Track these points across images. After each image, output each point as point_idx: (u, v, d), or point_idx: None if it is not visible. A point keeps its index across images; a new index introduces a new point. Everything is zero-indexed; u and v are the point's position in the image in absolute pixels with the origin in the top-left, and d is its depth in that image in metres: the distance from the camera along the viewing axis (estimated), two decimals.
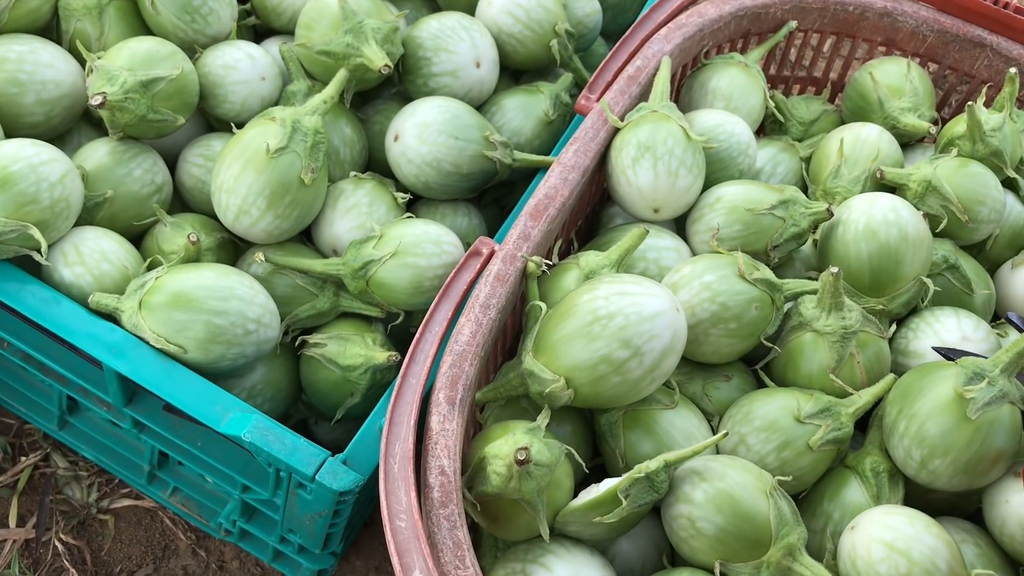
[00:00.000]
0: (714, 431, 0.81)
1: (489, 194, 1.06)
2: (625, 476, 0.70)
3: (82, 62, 0.93)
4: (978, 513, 0.80)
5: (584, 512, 0.71)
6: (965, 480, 0.75)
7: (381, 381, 0.89)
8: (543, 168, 0.96)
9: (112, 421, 0.93)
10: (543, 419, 0.73)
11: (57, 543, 1.01)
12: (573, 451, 0.73)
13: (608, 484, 0.71)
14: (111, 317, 0.83)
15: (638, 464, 0.75)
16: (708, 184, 0.93)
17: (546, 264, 0.83)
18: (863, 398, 0.78)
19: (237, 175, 0.86)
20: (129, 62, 0.88)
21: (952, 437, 0.73)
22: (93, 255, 0.85)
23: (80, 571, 1.00)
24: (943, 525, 0.73)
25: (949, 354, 0.81)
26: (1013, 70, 0.99)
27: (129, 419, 0.88)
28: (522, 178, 1.02)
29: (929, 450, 0.74)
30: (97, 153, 0.90)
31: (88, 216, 0.89)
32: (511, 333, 0.87)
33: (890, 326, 0.85)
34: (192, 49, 0.96)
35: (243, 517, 0.93)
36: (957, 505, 0.82)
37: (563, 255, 0.90)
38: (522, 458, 0.68)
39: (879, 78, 1.06)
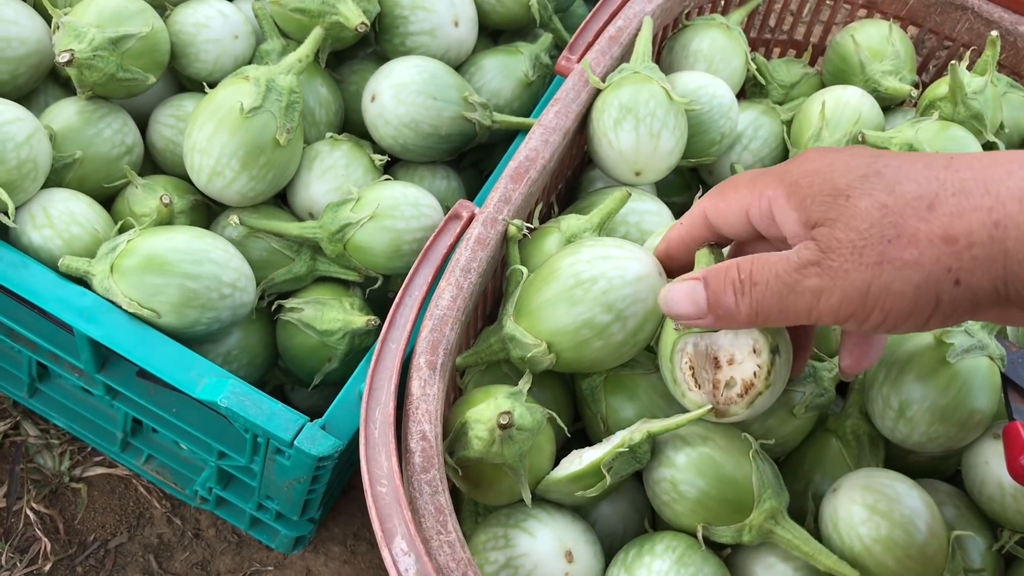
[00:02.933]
0: None
1: (468, 157, 1.05)
2: (608, 449, 0.70)
3: (48, 19, 0.90)
4: (957, 475, 0.80)
5: (566, 484, 0.71)
6: (942, 431, 0.74)
7: (359, 346, 0.88)
8: (523, 130, 0.94)
9: (84, 388, 0.91)
10: (525, 383, 0.72)
11: (29, 512, 0.99)
12: (555, 416, 0.73)
13: (590, 457, 0.71)
14: (82, 281, 0.81)
15: (620, 431, 0.75)
16: (690, 145, 0.92)
17: (527, 227, 0.82)
18: None
19: (210, 135, 0.83)
20: (97, 19, 0.85)
21: (929, 380, 0.73)
22: (62, 217, 0.82)
23: (53, 540, 0.98)
24: (923, 487, 0.73)
25: None
26: (994, 33, 0.98)
27: (102, 385, 0.86)
28: (501, 140, 1.01)
29: (906, 395, 0.74)
30: (65, 113, 0.88)
31: (57, 178, 0.86)
32: (492, 297, 0.86)
33: None
34: (162, 6, 0.94)
35: (219, 484, 0.92)
36: (937, 468, 0.82)
37: (543, 219, 0.89)
38: (505, 422, 0.67)
39: (860, 41, 1.05)
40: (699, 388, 0.69)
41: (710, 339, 0.68)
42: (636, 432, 0.70)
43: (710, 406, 0.68)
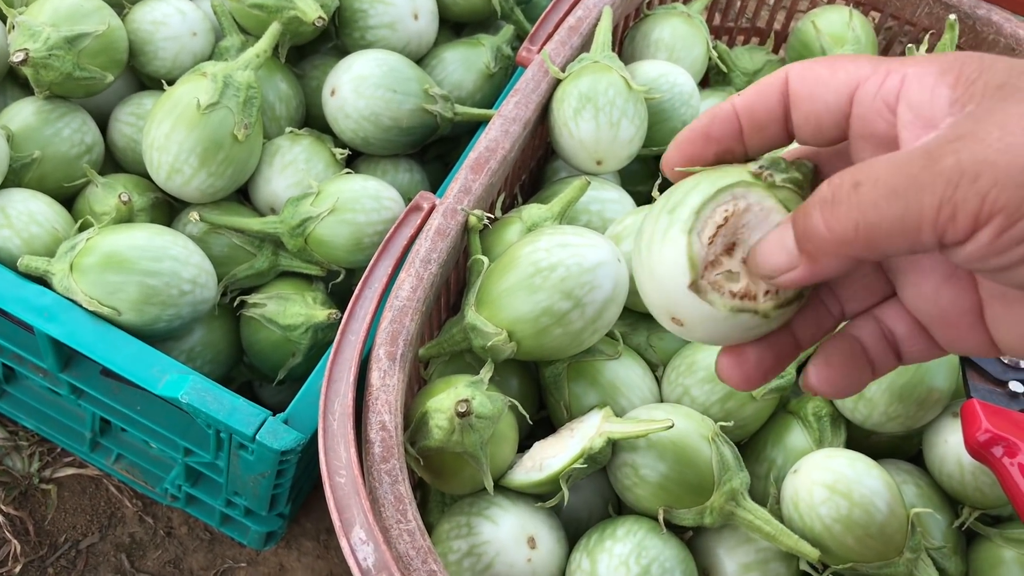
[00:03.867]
0: (658, 381, 0.81)
1: (432, 150, 1.05)
2: (568, 460, 0.70)
3: (4, 18, 0.89)
4: (919, 455, 0.81)
5: (525, 488, 0.72)
6: (901, 410, 0.75)
7: (323, 340, 0.88)
8: (485, 121, 0.94)
9: (50, 388, 0.91)
10: (486, 372, 0.73)
11: None
12: (517, 403, 0.73)
13: (550, 467, 0.71)
14: (42, 280, 0.81)
15: (582, 416, 0.75)
16: (651, 134, 0.93)
17: (488, 218, 0.82)
18: None
19: (168, 132, 0.83)
20: (52, 18, 0.85)
21: (901, 387, 0.73)
22: (21, 217, 0.82)
23: (23, 542, 0.98)
24: (884, 467, 0.74)
25: None
26: (952, 17, 0.99)
27: (66, 385, 0.86)
28: (465, 132, 1.01)
29: (876, 399, 0.74)
30: (23, 113, 0.87)
31: (15, 178, 0.86)
32: (455, 289, 0.86)
33: None
34: (120, 4, 0.94)
35: (188, 482, 0.92)
36: (899, 448, 0.83)
37: (507, 210, 0.89)
38: (463, 410, 0.67)
39: (821, 27, 1.06)
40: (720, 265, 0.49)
41: (755, 215, 0.48)
42: (596, 439, 0.70)
43: (671, 423, 0.65)
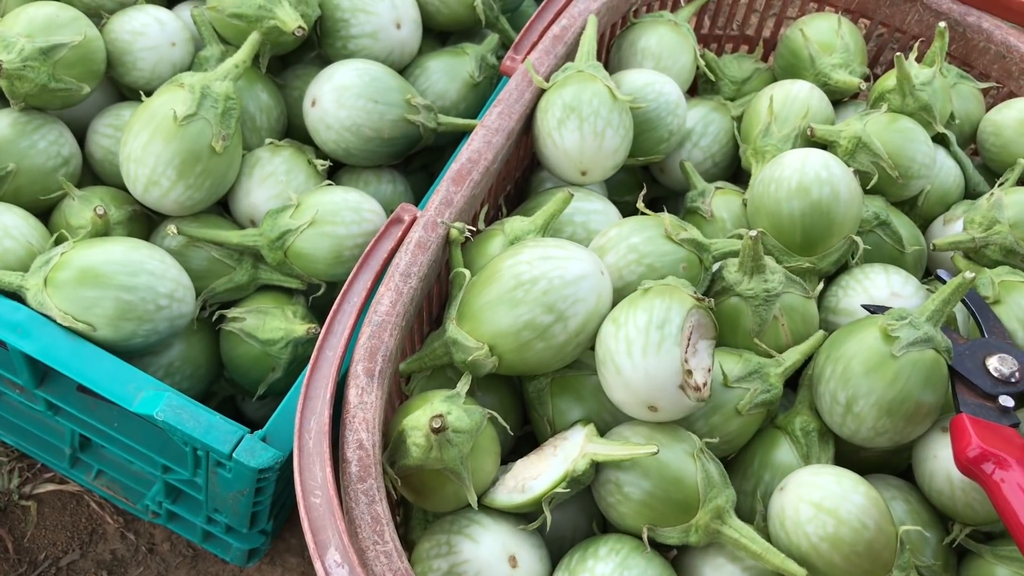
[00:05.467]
0: None
1: (416, 160, 1.04)
2: (551, 483, 0.69)
3: None
4: (909, 471, 0.79)
5: (506, 509, 0.71)
6: (889, 424, 0.73)
7: (303, 355, 0.87)
8: (469, 132, 0.93)
9: (28, 404, 0.90)
10: (463, 386, 0.71)
11: None
12: (496, 415, 0.72)
13: (532, 489, 0.70)
14: (16, 296, 0.79)
15: (564, 432, 0.74)
16: (638, 143, 0.92)
17: (470, 230, 0.81)
18: (792, 356, 0.78)
19: (145, 144, 0.82)
20: (27, 28, 0.84)
21: (876, 375, 0.72)
22: None
23: (2, 559, 0.97)
24: (873, 483, 0.72)
25: (879, 311, 0.80)
26: (942, 24, 0.98)
27: (42, 401, 0.84)
28: (450, 143, 1.00)
29: (853, 390, 0.73)
30: None
31: None
32: (437, 302, 0.85)
33: (819, 283, 0.83)
34: (98, 15, 0.92)
35: (169, 498, 0.90)
36: (887, 463, 0.81)
37: (491, 221, 0.88)
38: (437, 426, 0.66)
39: (810, 35, 1.05)
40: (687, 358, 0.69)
41: (700, 330, 0.71)
42: (580, 460, 0.69)
43: (656, 449, 0.67)
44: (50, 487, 1.01)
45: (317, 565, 0.61)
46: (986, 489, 0.68)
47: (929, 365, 0.73)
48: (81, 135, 0.93)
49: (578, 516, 0.76)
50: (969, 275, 0.72)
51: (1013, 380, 0.74)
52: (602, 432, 0.73)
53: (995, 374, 0.74)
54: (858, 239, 0.85)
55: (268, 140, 0.91)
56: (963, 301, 0.81)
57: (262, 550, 0.97)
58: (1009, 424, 0.71)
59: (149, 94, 0.88)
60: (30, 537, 0.99)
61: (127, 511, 1.00)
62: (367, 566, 0.62)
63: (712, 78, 1.08)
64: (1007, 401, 0.73)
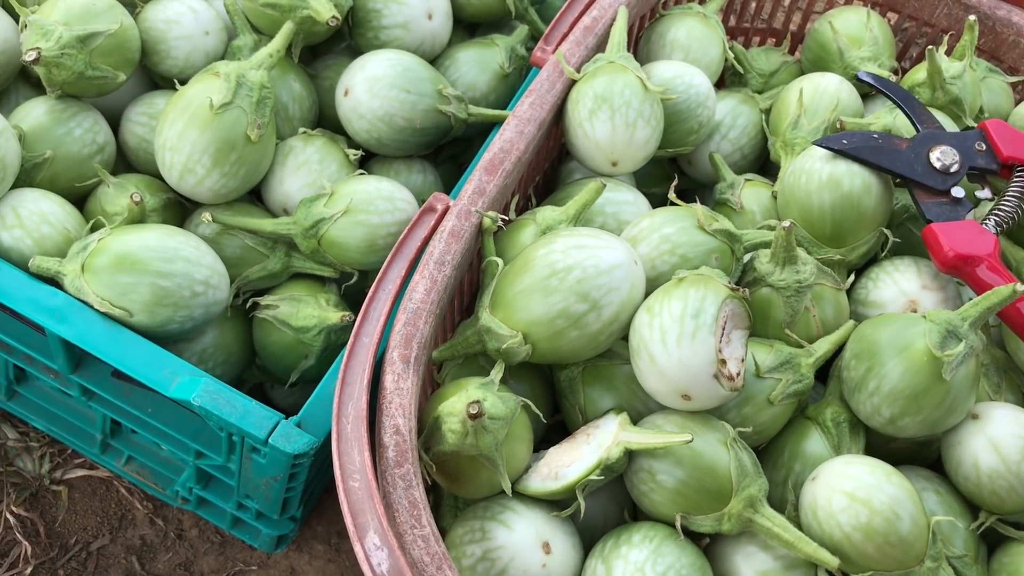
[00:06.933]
0: None
1: (445, 151, 1.04)
2: (584, 471, 0.69)
3: (16, 17, 0.89)
4: (939, 461, 0.80)
5: (539, 496, 0.71)
6: (929, 431, 0.74)
7: (336, 343, 0.87)
8: (499, 123, 0.94)
9: (61, 390, 0.91)
10: (497, 373, 0.72)
11: (9, 516, 0.98)
12: (530, 403, 0.72)
13: (566, 476, 0.70)
14: (53, 281, 0.80)
15: (596, 420, 0.75)
16: (667, 135, 0.92)
17: (502, 219, 0.81)
18: (823, 347, 0.78)
19: (180, 132, 0.83)
20: (65, 16, 0.84)
21: (925, 398, 0.72)
22: (32, 217, 0.82)
23: (33, 543, 0.98)
24: (904, 473, 0.73)
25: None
26: (972, 18, 0.98)
27: (77, 387, 0.85)
28: (479, 134, 1.00)
29: (900, 409, 0.73)
30: (34, 112, 0.87)
31: (27, 178, 0.86)
32: (468, 291, 0.85)
33: (848, 276, 0.84)
34: (132, 3, 0.93)
35: (199, 484, 0.91)
36: (918, 454, 0.82)
37: (521, 211, 0.88)
38: (474, 412, 0.66)
39: (839, 28, 1.05)
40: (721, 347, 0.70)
41: (734, 320, 0.72)
42: (613, 448, 0.70)
43: (690, 437, 0.67)
44: (80, 472, 1.02)
45: (357, 548, 0.61)
46: (970, 282, 0.79)
47: (972, 373, 0.72)
48: (115, 123, 0.93)
49: (609, 504, 0.77)
50: (1020, 287, 0.71)
51: (954, 170, 0.82)
52: (634, 421, 0.74)
53: (940, 167, 0.81)
54: (888, 232, 0.85)
55: (301, 129, 0.92)
56: (891, 98, 0.89)
57: (290, 537, 0.98)
58: (965, 213, 0.81)
59: (183, 83, 0.88)
60: (61, 522, 1.00)
61: (156, 497, 1.01)
62: (405, 549, 0.63)
63: (740, 71, 1.08)
64: (958, 192, 0.82)
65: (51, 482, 1.02)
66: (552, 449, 0.75)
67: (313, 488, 0.94)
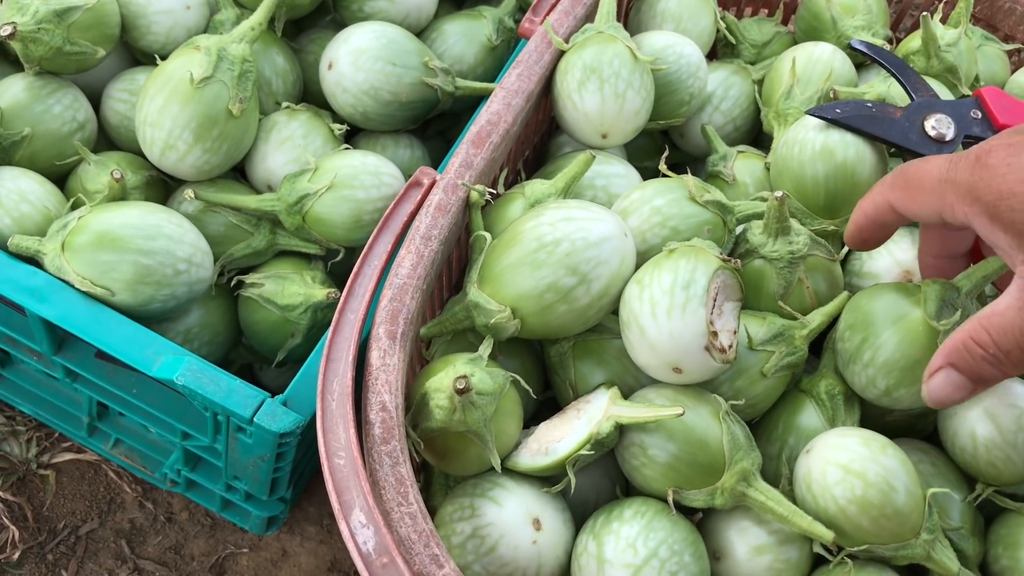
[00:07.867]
0: None
1: (433, 125, 1.03)
2: (575, 446, 0.68)
3: None
4: (935, 434, 0.79)
5: (529, 472, 0.70)
6: (922, 402, 0.73)
7: (323, 321, 0.86)
8: (487, 96, 0.92)
9: (46, 372, 0.89)
10: (485, 348, 0.71)
11: None
12: (519, 378, 0.71)
13: (556, 452, 0.69)
14: (33, 260, 0.79)
15: (587, 394, 0.73)
16: (658, 107, 0.90)
17: (490, 193, 0.80)
18: (817, 319, 0.76)
19: (161, 107, 0.81)
20: None
21: (921, 369, 0.70)
22: (11, 196, 0.80)
23: (21, 528, 0.97)
24: (899, 446, 0.72)
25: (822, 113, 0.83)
26: None
27: (61, 368, 0.84)
28: (467, 108, 0.99)
29: (896, 380, 0.71)
30: (12, 89, 0.85)
31: (5, 156, 0.84)
32: (458, 267, 0.84)
33: (842, 247, 0.82)
34: None
35: (187, 466, 0.90)
36: (913, 426, 0.81)
37: (510, 185, 0.87)
38: (461, 387, 0.65)
39: None
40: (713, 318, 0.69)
41: (726, 291, 0.70)
42: (604, 423, 0.68)
43: (682, 410, 0.66)
44: (68, 456, 1.01)
45: (342, 526, 0.60)
46: None
47: None
48: (96, 101, 0.92)
49: (601, 480, 0.76)
50: None
51: (949, 138, 0.80)
52: (625, 396, 0.73)
53: (934, 136, 0.79)
54: None
55: (285, 104, 0.90)
56: (885, 67, 0.87)
57: (281, 518, 0.97)
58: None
59: (164, 58, 0.87)
60: (49, 506, 0.99)
61: (145, 480, 1.00)
62: (392, 527, 0.61)
63: (732, 41, 1.06)
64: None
65: (39, 466, 1.00)
66: (542, 425, 0.74)
67: (303, 468, 0.92)
